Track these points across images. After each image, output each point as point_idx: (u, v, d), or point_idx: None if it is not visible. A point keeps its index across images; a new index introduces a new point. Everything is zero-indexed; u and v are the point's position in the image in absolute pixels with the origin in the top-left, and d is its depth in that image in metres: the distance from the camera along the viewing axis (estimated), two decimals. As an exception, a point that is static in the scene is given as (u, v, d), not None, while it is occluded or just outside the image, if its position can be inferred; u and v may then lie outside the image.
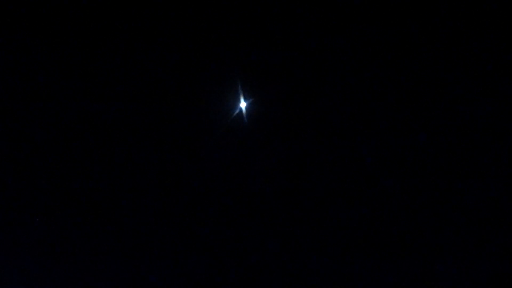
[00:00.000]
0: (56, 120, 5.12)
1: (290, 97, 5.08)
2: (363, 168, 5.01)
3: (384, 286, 4.98)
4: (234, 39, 5.05)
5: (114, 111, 5.09)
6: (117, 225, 5.17)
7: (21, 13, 5.07)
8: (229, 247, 5.13)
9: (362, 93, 4.99)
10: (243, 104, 5.05)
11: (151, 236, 5.19)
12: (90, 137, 5.15)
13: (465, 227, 4.90)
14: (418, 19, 4.85)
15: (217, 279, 5.11)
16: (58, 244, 5.21)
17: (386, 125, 4.99)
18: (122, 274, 5.17)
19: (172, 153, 5.17)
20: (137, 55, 5.05)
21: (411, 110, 4.94)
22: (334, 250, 5.03)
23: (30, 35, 5.09)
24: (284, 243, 5.11)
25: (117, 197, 5.17)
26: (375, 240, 4.99)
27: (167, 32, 5.06)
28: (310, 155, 5.08)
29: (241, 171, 5.14)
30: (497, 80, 4.81)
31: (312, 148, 5.08)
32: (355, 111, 5.02)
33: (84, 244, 5.19)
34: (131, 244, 5.18)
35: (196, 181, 5.16)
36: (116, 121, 5.12)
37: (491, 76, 4.84)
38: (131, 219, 5.18)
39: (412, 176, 4.95)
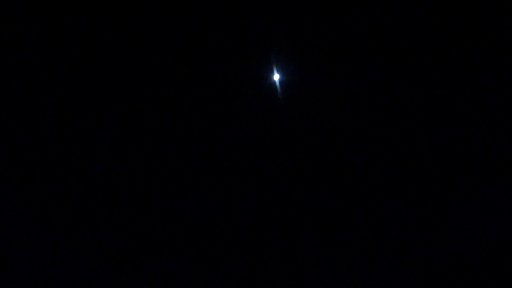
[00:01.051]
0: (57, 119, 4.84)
1: (328, 71, 4.82)
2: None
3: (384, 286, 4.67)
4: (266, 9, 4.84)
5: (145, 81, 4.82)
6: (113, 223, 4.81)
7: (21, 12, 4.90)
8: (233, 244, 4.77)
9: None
10: (276, 77, 4.77)
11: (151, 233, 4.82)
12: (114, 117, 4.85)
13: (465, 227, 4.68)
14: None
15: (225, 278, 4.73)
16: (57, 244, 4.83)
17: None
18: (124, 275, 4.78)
19: (202, 127, 4.84)
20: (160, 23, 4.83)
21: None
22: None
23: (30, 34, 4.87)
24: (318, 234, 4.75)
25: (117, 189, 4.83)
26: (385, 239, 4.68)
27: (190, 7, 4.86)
28: (349, 135, 4.78)
29: (272, 150, 4.81)
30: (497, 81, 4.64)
31: (350, 128, 4.78)
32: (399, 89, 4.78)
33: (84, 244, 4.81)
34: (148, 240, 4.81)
35: (226, 158, 4.81)
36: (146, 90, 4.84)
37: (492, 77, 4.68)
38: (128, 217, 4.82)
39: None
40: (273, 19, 4.82)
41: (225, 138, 4.82)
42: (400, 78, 4.79)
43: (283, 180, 4.77)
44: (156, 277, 4.76)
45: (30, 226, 4.85)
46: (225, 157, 4.79)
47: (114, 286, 4.77)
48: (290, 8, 4.82)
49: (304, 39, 4.82)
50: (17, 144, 4.87)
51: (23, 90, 4.87)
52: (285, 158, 4.78)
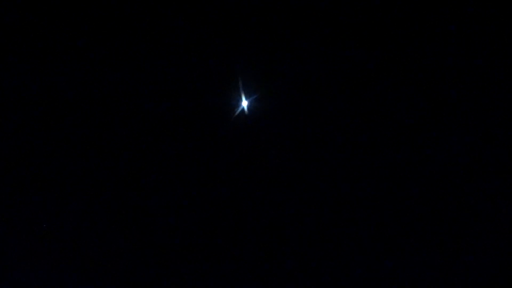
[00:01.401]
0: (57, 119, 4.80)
1: (294, 94, 4.87)
2: (368, 169, 4.91)
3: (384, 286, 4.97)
4: (235, 35, 4.75)
5: (110, 112, 4.80)
6: (114, 225, 4.98)
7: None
8: (227, 249, 5.02)
9: (367, 91, 4.83)
10: (245, 103, 4.81)
11: (148, 237, 5.02)
12: (84, 139, 4.86)
13: (465, 227, 4.90)
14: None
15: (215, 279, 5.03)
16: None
17: (390, 124, 4.87)
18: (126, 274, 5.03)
19: (172, 153, 4.93)
20: (135, 54, 4.72)
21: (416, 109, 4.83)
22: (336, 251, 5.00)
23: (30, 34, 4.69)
24: (284, 243, 5.03)
25: (114, 197, 4.95)
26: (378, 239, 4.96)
27: (166, 30, 4.72)
28: (315, 155, 4.93)
29: (243, 172, 4.97)
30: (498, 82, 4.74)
31: (316, 148, 4.92)
32: (360, 109, 4.87)
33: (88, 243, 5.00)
34: (129, 245, 5.02)
35: (197, 183, 4.96)
36: (112, 123, 4.83)
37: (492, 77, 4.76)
38: (127, 221, 4.98)
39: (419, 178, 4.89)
40: (244, 48, 4.77)
41: (197, 165, 4.95)
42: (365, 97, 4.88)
43: (251, 206, 4.99)
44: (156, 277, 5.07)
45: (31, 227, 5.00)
46: (193, 187, 4.95)
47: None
48: (259, 37, 4.76)
49: (274, 66, 4.82)
50: (17, 143, 4.91)
51: (23, 90, 4.83)
52: (257, 181, 4.97)
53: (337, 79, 4.84)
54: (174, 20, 4.75)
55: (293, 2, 4.71)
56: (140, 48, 4.79)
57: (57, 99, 4.86)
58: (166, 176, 4.97)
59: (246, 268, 5.00)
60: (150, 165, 4.96)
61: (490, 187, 4.85)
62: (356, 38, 4.79)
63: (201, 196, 5.00)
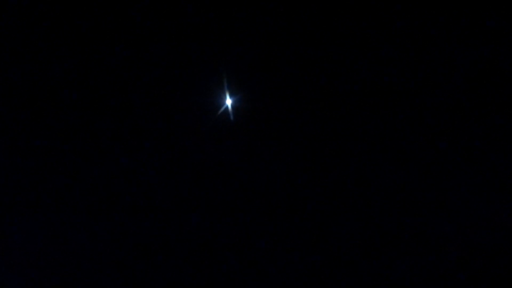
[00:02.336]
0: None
1: (279, 93, 4.86)
2: (354, 171, 4.90)
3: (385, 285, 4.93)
4: (219, 33, 4.75)
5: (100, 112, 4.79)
6: (105, 227, 4.94)
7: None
8: (215, 248, 4.98)
9: (354, 89, 4.83)
10: (229, 101, 4.80)
11: (135, 237, 4.98)
12: (78, 140, 4.85)
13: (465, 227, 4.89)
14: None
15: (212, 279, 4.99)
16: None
17: (377, 124, 4.86)
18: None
19: (156, 152, 4.90)
20: (121, 51, 4.71)
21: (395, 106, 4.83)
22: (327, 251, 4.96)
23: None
24: (270, 244, 5.00)
25: (104, 198, 4.92)
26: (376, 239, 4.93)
27: (150, 28, 4.72)
28: (300, 155, 4.92)
29: (227, 171, 4.94)
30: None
31: (302, 148, 4.91)
32: (347, 107, 4.86)
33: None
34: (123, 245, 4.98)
35: (181, 182, 4.93)
36: (101, 122, 4.82)
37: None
38: (116, 221, 4.95)
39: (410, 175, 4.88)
40: (227, 45, 4.77)
41: (182, 163, 4.92)
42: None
43: (236, 204, 4.97)
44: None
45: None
46: (180, 185, 4.92)
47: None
48: (243, 33, 4.76)
49: (259, 63, 4.82)
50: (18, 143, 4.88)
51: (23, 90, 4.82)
52: (241, 179, 4.94)
53: (324, 78, 4.84)
54: (161, 17, 4.75)
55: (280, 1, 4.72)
56: (127, 46, 4.79)
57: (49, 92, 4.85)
58: (150, 174, 4.94)
59: (239, 268, 4.97)
60: (134, 163, 4.94)
61: (490, 187, 4.85)
62: (343, 37, 4.79)
63: (186, 193, 4.97)
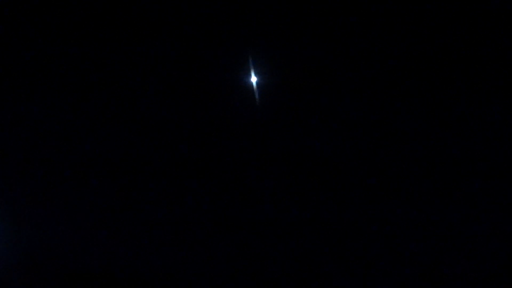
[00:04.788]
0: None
1: (304, 71, 4.87)
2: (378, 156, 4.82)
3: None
4: (242, 13, 4.83)
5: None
6: (117, 222, 4.90)
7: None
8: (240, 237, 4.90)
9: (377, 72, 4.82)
10: (254, 79, 4.82)
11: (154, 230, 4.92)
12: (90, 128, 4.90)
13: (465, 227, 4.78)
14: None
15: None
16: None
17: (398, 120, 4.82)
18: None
19: (180, 133, 4.91)
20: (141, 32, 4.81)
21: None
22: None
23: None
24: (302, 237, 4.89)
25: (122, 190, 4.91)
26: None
27: (173, 6, 4.82)
28: (325, 138, 4.87)
29: (251, 154, 4.91)
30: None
31: (326, 129, 4.87)
32: (371, 88, 4.84)
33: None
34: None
35: (206, 162, 4.90)
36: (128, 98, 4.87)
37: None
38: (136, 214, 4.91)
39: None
40: (252, 23, 4.83)
41: (204, 140, 4.92)
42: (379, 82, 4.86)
43: (258, 183, 4.90)
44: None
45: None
46: (203, 160, 4.89)
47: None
48: (269, 13, 4.83)
49: (283, 43, 4.86)
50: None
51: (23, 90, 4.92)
52: (263, 160, 4.89)
53: (352, 59, 4.85)
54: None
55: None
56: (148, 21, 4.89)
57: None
58: (178, 150, 4.92)
59: (244, 266, 4.87)
60: (161, 139, 4.94)
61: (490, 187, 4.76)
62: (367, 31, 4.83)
63: (206, 178, 4.93)
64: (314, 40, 4.85)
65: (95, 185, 4.88)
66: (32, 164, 4.86)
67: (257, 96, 4.83)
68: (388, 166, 4.84)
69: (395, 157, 4.84)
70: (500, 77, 4.76)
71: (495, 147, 4.78)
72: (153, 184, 4.92)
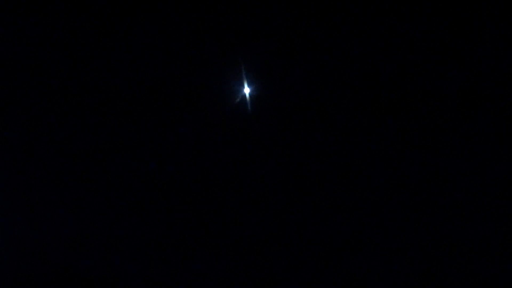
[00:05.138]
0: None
1: (298, 83, 4.80)
2: (375, 163, 4.71)
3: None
4: (236, 22, 4.82)
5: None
6: (114, 224, 4.67)
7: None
8: (231, 244, 4.66)
9: (374, 82, 4.78)
10: (247, 90, 4.73)
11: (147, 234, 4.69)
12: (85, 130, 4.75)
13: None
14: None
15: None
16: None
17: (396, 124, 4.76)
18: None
19: (169, 143, 4.74)
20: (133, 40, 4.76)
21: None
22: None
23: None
24: (293, 240, 4.68)
25: (112, 195, 4.70)
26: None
27: (165, 17, 4.81)
28: (319, 147, 4.75)
29: (243, 163, 4.74)
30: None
31: (320, 140, 4.75)
32: (368, 100, 4.78)
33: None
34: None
35: (196, 174, 4.71)
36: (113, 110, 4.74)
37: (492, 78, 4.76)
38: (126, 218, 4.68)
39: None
40: (246, 33, 4.81)
41: (196, 150, 4.75)
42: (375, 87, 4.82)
43: (249, 195, 4.71)
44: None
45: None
46: (194, 171, 4.71)
47: None
48: (263, 21, 4.82)
49: (277, 53, 4.82)
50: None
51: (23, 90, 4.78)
52: (256, 170, 4.73)
53: (346, 69, 4.82)
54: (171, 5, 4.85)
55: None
56: (144, 35, 4.85)
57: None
58: (166, 164, 4.75)
59: (243, 267, 4.63)
60: (142, 161, 4.77)
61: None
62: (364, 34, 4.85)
63: (198, 192, 4.74)
64: (309, 51, 4.83)
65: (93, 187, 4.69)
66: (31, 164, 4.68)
67: (249, 107, 4.73)
68: (387, 184, 4.73)
69: (393, 175, 4.74)
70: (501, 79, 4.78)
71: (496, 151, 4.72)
72: (150, 203, 4.72)
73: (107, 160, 4.69)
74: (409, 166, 4.70)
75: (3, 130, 4.74)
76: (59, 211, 4.66)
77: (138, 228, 4.65)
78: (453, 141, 4.73)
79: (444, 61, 4.81)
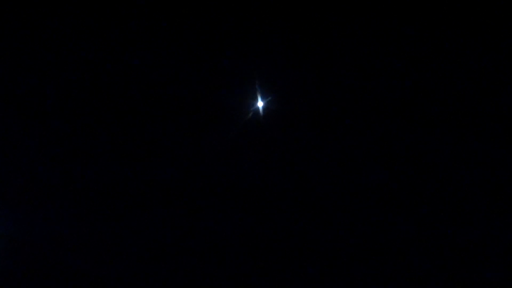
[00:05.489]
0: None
1: (309, 96, 4.86)
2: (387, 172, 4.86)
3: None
4: (251, 34, 4.79)
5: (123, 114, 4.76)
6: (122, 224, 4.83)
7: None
8: (242, 248, 4.88)
9: (387, 91, 4.84)
10: (260, 104, 4.79)
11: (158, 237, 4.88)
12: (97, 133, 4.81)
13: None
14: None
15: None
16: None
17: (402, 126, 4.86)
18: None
19: (185, 155, 4.85)
20: (147, 50, 4.73)
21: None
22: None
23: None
24: (303, 245, 4.90)
25: (121, 198, 4.84)
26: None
27: (180, 27, 4.75)
28: (329, 158, 4.88)
29: (256, 175, 4.89)
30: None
31: (331, 151, 4.87)
32: (378, 111, 4.86)
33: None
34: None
35: (210, 185, 4.86)
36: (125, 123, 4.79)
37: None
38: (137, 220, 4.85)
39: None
40: (258, 47, 4.80)
41: (210, 163, 4.87)
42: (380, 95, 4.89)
43: (265, 205, 4.89)
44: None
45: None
46: (207, 184, 4.85)
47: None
48: (274, 37, 4.80)
49: (290, 68, 4.84)
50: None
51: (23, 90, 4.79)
52: (268, 181, 4.88)
53: (355, 84, 4.86)
54: (191, 16, 4.79)
55: (314, 6, 4.78)
56: (153, 44, 4.81)
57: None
58: (175, 176, 4.88)
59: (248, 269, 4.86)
60: (158, 166, 4.87)
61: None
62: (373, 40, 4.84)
63: (210, 201, 4.89)
64: (320, 65, 4.85)
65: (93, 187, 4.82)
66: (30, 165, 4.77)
67: (262, 120, 4.81)
68: (393, 195, 4.88)
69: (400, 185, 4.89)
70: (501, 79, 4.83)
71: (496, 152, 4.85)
72: (153, 211, 4.87)
73: (125, 171, 4.82)
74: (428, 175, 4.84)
75: (3, 130, 4.77)
76: (59, 211, 4.78)
77: (143, 229, 4.81)
78: (453, 141, 4.85)
79: (449, 63, 4.83)
